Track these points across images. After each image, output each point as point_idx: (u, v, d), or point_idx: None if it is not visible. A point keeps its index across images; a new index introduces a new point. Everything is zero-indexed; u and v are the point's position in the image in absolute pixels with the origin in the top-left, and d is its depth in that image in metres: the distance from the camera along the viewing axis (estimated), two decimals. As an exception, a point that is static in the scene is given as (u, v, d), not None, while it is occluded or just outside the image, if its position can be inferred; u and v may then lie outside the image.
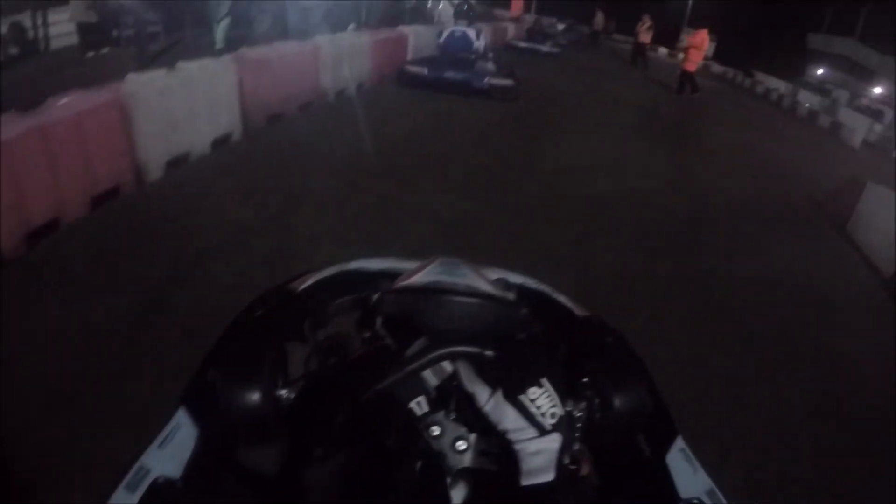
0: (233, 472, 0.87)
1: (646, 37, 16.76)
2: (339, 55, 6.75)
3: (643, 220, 4.92)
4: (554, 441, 0.77)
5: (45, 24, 6.61)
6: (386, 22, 9.95)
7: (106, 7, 6.79)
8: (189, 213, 3.82)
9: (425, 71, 7.81)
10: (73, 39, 6.84)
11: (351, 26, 9.02)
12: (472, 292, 0.89)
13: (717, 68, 25.78)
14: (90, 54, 6.77)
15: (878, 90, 25.47)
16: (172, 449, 0.79)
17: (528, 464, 0.75)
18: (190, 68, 4.42)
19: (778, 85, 24.69)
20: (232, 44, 7.33)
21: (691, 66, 12.64)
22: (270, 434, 0.85)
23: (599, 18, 21.28)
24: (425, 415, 0.83)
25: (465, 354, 0.82)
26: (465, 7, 10.59)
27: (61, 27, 6.74)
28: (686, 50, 13.03)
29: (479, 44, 8.84)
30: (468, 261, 1.00)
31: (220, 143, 4.90)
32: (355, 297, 1.07)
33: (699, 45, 12.46)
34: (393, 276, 0.98)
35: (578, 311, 1.21)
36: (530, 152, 6.25)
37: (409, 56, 9.01)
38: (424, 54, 9.35)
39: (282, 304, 1.03)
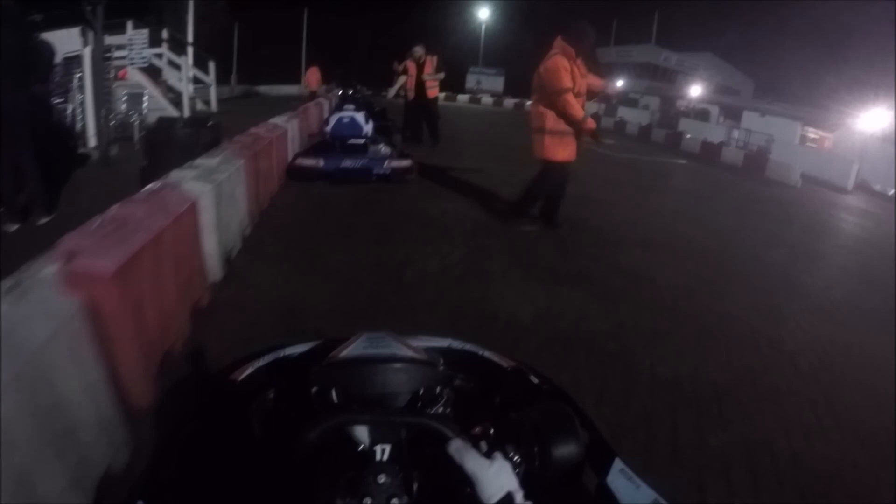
0: None
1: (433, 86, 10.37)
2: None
3: None
4: (505, 465, 0.80)
5: None
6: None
7: None
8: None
9: (321, 163, 6.99)
10: None
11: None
12: (394, 358, 0.97)
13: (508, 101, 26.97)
14: None
15: (696, 90, 25.77)
16: None
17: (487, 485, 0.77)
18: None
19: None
20: None
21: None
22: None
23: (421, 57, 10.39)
24: (381, 463, 0.85)
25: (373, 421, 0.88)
26: (352, 91, 10.25)
27: None
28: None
29: (368, 127, 7.97)
30: (392, 333, 1.07)
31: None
32: (289, 382, 1.15)
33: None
34: (324, 355, 1.04)
35: (505, 363, 1.32)
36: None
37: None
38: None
39: (225, 396, 1.13)
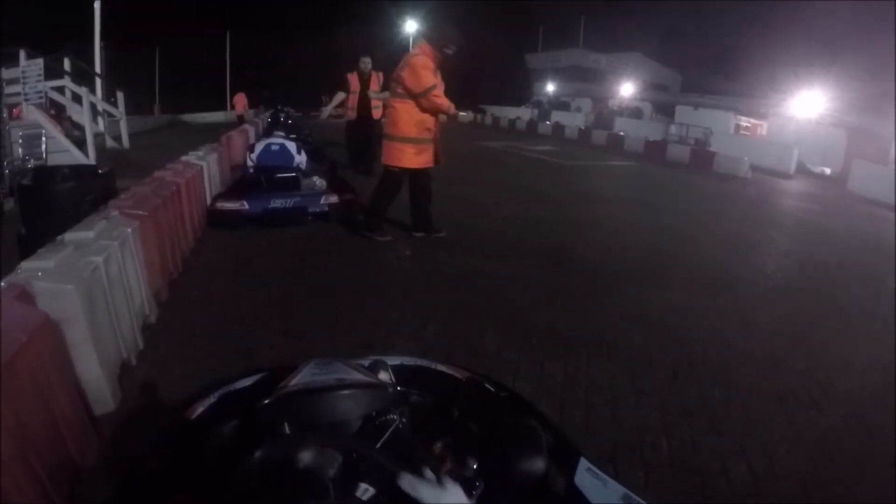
0: None
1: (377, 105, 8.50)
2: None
3: None
4: (456, 489, 0.79)
5: None
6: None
7: None
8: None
9: (245, 205, 5.82)
10: None
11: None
12: (342, 385, 0.92)
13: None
14: None
15: (627, 89, 25.80)
16: None
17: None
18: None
19: (519, 113, 25.28)
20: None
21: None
22: None
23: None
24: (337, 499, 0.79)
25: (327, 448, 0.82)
26: (282, 116, 9.22)
27: None
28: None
29: (301, 158, 6.93)
30: (340, 358, 1.04)
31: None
32: (241, 416, 1.10)
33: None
34: (273, 386, 1.00)
35: (459, 374, 1.28)
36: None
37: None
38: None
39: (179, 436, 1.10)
